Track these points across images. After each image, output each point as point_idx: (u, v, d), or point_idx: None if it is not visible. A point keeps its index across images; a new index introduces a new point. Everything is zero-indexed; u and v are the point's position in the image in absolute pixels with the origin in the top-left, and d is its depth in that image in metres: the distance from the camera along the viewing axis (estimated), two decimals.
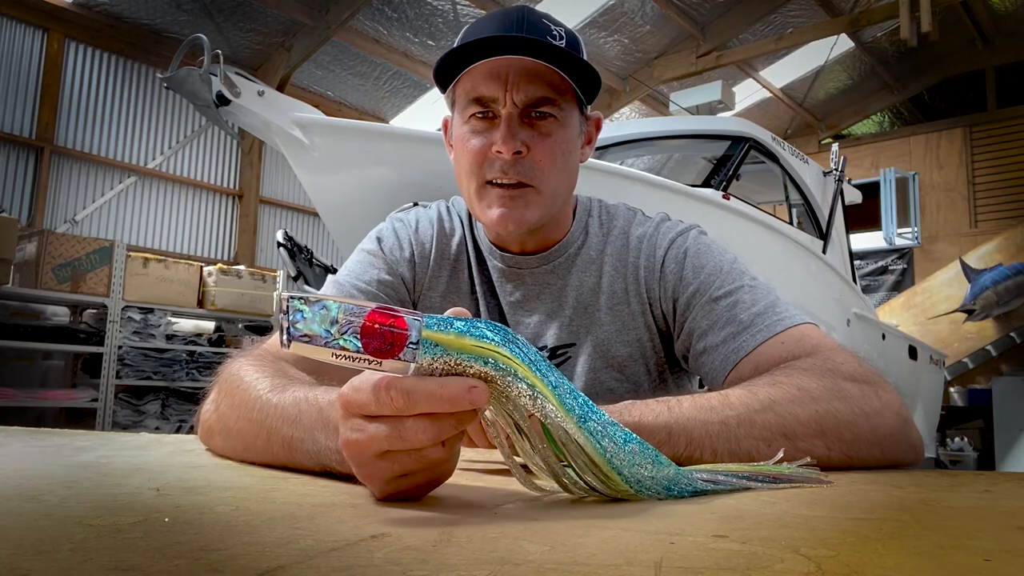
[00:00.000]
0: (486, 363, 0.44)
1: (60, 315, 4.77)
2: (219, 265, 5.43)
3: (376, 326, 0.42)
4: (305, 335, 0.42)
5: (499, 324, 0.46)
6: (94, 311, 4.77)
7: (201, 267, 5.23)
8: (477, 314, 1.05)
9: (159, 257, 5.07)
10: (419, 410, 0.43)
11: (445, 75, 0.94)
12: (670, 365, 1.04)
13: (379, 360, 0.42)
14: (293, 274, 3.21)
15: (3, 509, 0.44)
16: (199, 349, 5.10)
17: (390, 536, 0.38)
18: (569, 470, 0.49)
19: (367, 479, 0.48)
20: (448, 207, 1.12)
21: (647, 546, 0.36)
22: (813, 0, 8.79)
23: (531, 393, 0.45)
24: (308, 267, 3.19)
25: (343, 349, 0.42)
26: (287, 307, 0.42)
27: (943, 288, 9.00)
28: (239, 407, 0.69)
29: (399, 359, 0.43)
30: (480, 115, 0.93)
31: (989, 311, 8.63)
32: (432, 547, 0.36)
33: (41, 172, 6.95)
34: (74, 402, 4.63)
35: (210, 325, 5.42)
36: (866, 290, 8.46)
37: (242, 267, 5.68)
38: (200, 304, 5.14)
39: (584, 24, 8.60)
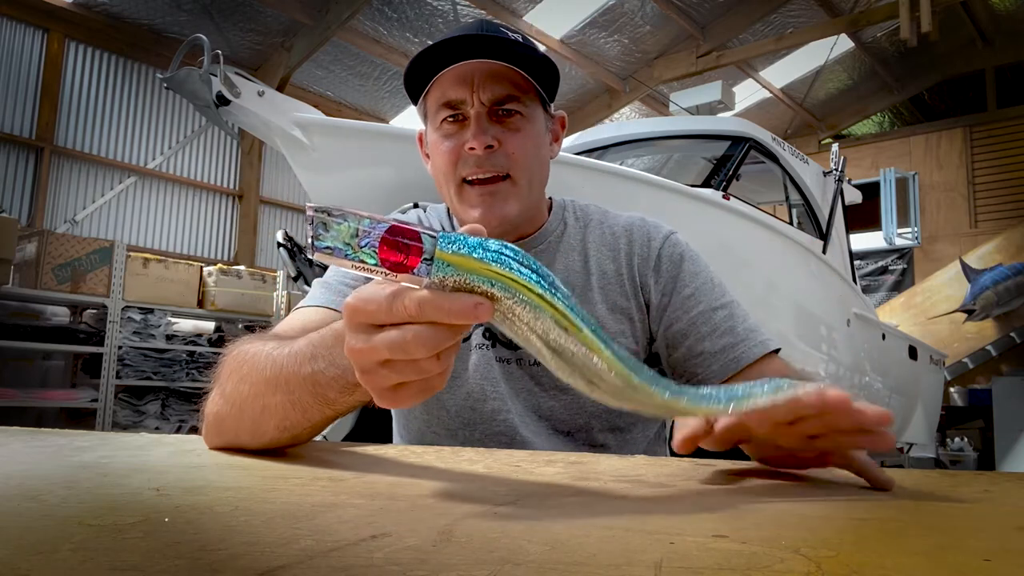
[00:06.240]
0: (492, 284, 0.45)
1: (60, 315, 4.76)
2: (219, 265, 5.43)
3: (392, 242, 0.44)
4: (327, 247, 0.44)
5: (510, 246, 0.47)
6: (94, 311, 4.77)
7: (201, 267, 5.23)
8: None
9: (159, 257, 5.07)
10: (426, 319, 0.46)
11: (414, 87, 0.99)
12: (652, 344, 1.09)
13: (395, 274, 0.45)
14: (293, 274, 3.21)
15: (3, 509, 0.44)
16: (199, 349, 5.10)
17: (390, 536, 0.38)
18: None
19: (368, 384, 0.50)
20: (427, 210, 1.18)
21: (647, 546, 0.36)
22: (813, 0, 8.79)
23: (535, 314, 0.46)
24: (308, 267, 3.18)
25: (362, 262, 0.44)
26: (312, 219, 0.44)
27: (943, 288, 8.99)
28: (249, 375, 0.70)
29: (413, 274, 0.45)
30: (451, 119, 0.97)
31: (989, 311, 8.61)
32: (432, 547, 0.36)
33: (41, 172, 6.95)
34: (74, 402, 4.62)
35: (210, 325, 5.42)
36: (866, 290, 8.44)
37: (242, 267, 5.68)
38: (200, 304, 5.14)
39: (584, 24, 8.60)
